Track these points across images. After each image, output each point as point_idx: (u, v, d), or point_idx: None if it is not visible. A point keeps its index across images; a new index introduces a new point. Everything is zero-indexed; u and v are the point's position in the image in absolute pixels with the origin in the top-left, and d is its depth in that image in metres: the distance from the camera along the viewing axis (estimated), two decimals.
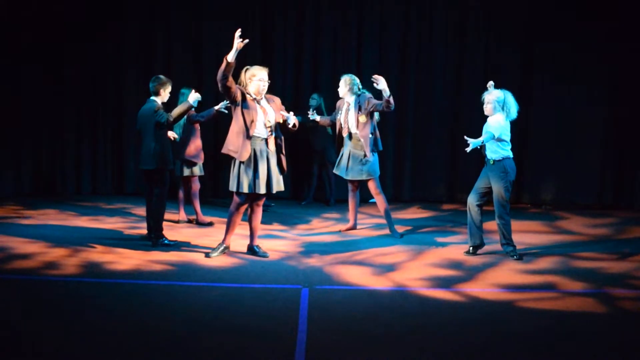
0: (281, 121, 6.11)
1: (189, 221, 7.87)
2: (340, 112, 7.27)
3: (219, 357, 3.85)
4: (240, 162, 5.96)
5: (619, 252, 6.59)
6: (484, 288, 5.33)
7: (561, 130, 9.65)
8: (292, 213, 8.77)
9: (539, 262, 6.15)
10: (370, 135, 7.10)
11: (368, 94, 7.17)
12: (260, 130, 5.98)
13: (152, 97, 6.60)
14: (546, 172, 9.76)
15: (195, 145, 7.61)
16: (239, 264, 5.98)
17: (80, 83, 9.97)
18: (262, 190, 5.99)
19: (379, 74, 9.67)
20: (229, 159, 6.13)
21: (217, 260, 6.05)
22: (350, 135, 7.18)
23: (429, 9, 9.92)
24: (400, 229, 7.43)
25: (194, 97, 6.47)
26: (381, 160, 7.34)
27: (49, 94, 9.90)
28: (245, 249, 6.39)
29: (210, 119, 7.55)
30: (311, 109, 9.15)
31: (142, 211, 8.20)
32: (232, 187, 6.03)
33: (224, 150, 6.07)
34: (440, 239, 7.13)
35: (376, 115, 7.30)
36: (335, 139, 9.08)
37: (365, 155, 7.09)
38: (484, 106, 6.33)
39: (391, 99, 6.78)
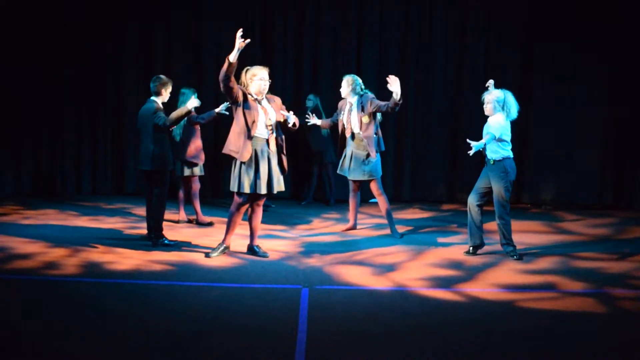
0: (282, 120, 6.12)
1: (189, 221, 7.87)
2: (342, 112, 7.25)
3: (219, 357, 3.86)
4: (242, 163, 5.96)
5: (619, 252, 6.59)
6: (484, 288, 5.33)
7: (561, 130, 9.65)
8: (292, 213, 8.77)
9: (539, 262, 6.15)
10: (374, 136, 7.09)
11: (370, 94, 7.15)
12: (261, 130, 5.98)
13: (153, 97, 6.60)
14: (546, 172, 9.76)
15: (196, 145, 7.61)
16: (239, 264, 5.98)
17: (81, 83, 9.97)
18: (263, 190, 5.99)
19: (378, 74, 9.80)
20: (230, 159, 6.13)
21: (217, 260, 6.05)
22: (353, 136, 7.17)
23: (429, 9, 9.92)
24: (400, 229, 7.43)
25: (193, 102, 6.48)
26: (382, 161, 7.33)
27: (49, 93, 9.91)
28: (245, 249, 6.39)
29: (211, 121, 7.56)
30: (308, 110, 9.17)
31: (142, 211, 8.20)
32: (233, 187, 6.03)
33: (224, 151, 6.08)
34: (440, 239, 7.13)
35: (378, 116, 7.28)
36: (334, 140, 9.14)
37: (368, 156, 7.08)
38: (484, 106, 6.33)
39: (400, 102, 6.76)
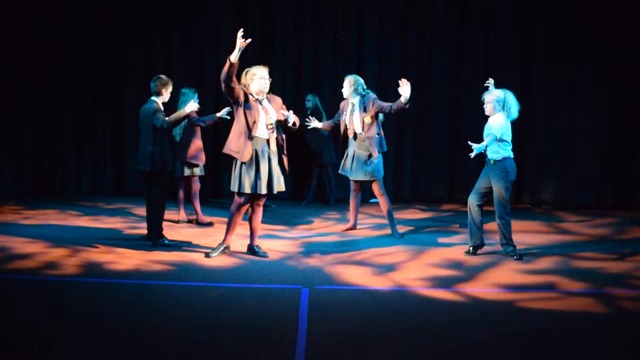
0: (282, 119, 6.11)
1: (189, 221, 7.87)
2: (344, 113, 7.24)
3: (219, 357, 3.86)
4: (242, 163, 5.96)
5: (619, 252, 6.59)
6: (484, 288, 5.33)
7: (561, 130, 9.65)
8: (292, 213, 8.77)
9: (539, 262, 6.15)
10: (377, 136, 7.09)
11: (372, 95, 7.14)
12: (262, 130, 5.99)
13: (153, 97, 6.60)
14: (546, 172, 9.76)
15: (196, 146, 7.60)
16: (239, 264, 5.98)
17: (81, 83, 9.96)
18: (264, 190, 5.99)
19: (378, 74, 9.80)
20: (230, 159, 6.13)
21: (217, 260, 6.05)
22: (355, 136, 7.16)
23: (428, 9, 9.92)
24: (400, 229, 7.42)
25: (191, 106, 6.48)
26: (382, 161, 7.32)
27: (49, 93, 9.90)
28: (245, 249, 6.39)
29: (211, 125, 7.54)
30: (308, 111, 9.17)
31: (142, 211, 8.19)
32: (234, 187, 6.03)
33: (225, 150, 6.08)
34: (440, 239, 7.12)
35: (381, 116, 7.27)
36: (334, 140, 9.13)
37: (370, 156, 7.07)
38: (484, 106, 6.32)
39: (407, 107, 6.76)
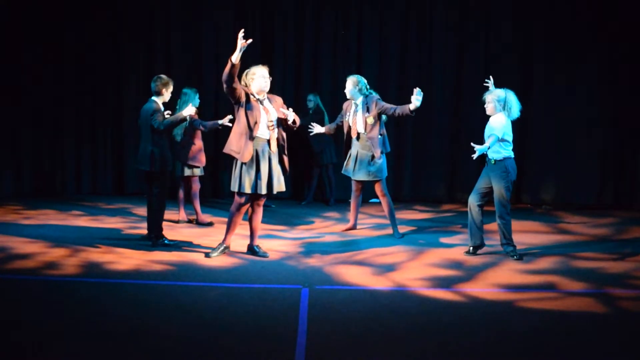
0: (283, 117, 6.10)
1: (189, 221, 7.87)
2: (348, 113, 7.23)
3: (219, 357, 3.86)
4: (242, 163, 5.96)
5: (619, 252, 6.58)
6: (484, 288, 5.33)
7: (561, 130, 9.65)
8: (292, 213, 8.77)
9: (539, 262, 6.15)
10: (379, 136, 7.08)
11: (376, 96, 7.13)
12: (263, 131, 5.99)
13: (153, 97, 6.60)
14: (546, 172, 9.76)
15: (197, 147, 7.60)
16: (239, 264, 5.98)
17: (81, 83, 9.96)
18: (264, 190, 6.00)
19: (378, 74, 9.80)
20: (230, 159, 6.13)
21: (217, 260, 6.05)
22: (358, 137, 7.15)
23: (428, 9, 9.92)
24: (401, 229, 7.40)
25: (189, 110, 6.49)
26: None
27: (49, 93, 9.90)
28: (245, 249, 6.39)
29: (211, 130, 7.53)
30: (310, 111, 9.17)
31: (142, 211, 8.19)
32: (234, 187, 6.03)
33: (225, 150, 6.08)
34: (440, 239, 7.12)
35: (384, 116, 7.25)
36: (334, 140, 9.13)
37: (374, 157, 7.06)
38: (485, 105, 6.31)
39: (413, 115, 6.78)
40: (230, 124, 6.86)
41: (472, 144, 5.99)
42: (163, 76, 6.69)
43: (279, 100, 6.21)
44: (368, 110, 7.03)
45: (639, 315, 4.73)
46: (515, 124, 6.39)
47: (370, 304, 4.89)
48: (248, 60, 5.90)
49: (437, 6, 9.92)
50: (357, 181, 7.29)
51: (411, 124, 9.95)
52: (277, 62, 9.87)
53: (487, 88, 6.54)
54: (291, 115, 6.10)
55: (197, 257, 6.14)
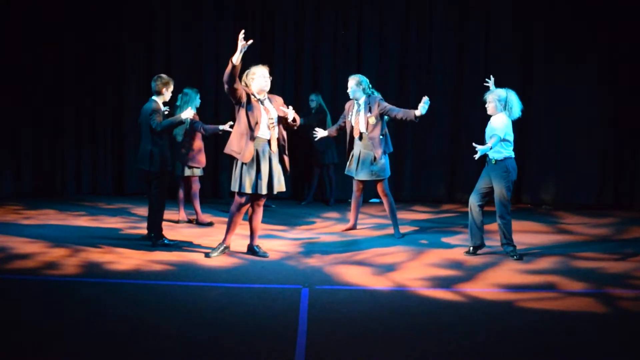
0: (284, 116, 6.10)
1: (189, 221, 7.87)
2: (350, 113, 7.22)
3: (219, 357, 3.86)
4: (243, 163, 5.96)
5: (619, 252, 6.58)
6: (484, 288, 5.33)
7: (561, 130, 9.65)
8: (292, 213, 8.77)
9: (539, 262, 6.15)
10: (381, 137, 7.07)
11: (378, 96, 7.13)
12: (263, 131, 5.99)
13: (154, 97, 6.59)
14: (546, 172, 9.76)
15: (197, 147, 7.60)
16: (239, 264, 5.98)
17: (80, 83, 9.96)
18: (264, 190, 6.00)
19: (378, 74, 9.79)
20: (230, 159, 6.13)
21: (217, 260, 6.05)
22: (360, 136, 7.14)
23: (428, 9, 9.92)
24: (401, 229, 7.39)
25: (187, 113, 6.49)
26: None
27: (49, 93, 9.90)
28: (245, 249, 6.39)
29: (211, 135, 7.53)
30: (312, 110, 9.17)
31: (142, 211, 8.20)
32: (234, 187, 6.03)
33: (226, 151, 6.08)
34: (440, 239, 7.12)
35: (385, 117, 7.24)
36: (335, 141, 9.12)
37: (375, 157, 7.05)
38: (486, 105, 6.30)
39: (416, 121, 6.83)
40: (231, 129, 6.85)
41: (474, 144, 5.99)
42: (163, 75, 6.69)
43: (279, 99, 6.21)
44: (370, 110, 7.03)
45: (639, 315, 4.73)
46: (515, 124, 6.39)
47: (370, 304, 4.89)
48: (248, 61, 5.89)
49: (437, 6, 9.92)
50: (359, 181, 7.28)
51: (411, 124, 9.93)
52: (277, 62, 9.87)
53: (487, 88, 6.54)
54: (291, 113, 6.09)
55: (197, 257, 6.13)
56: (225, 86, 5.73)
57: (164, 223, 6.71)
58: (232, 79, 5.67)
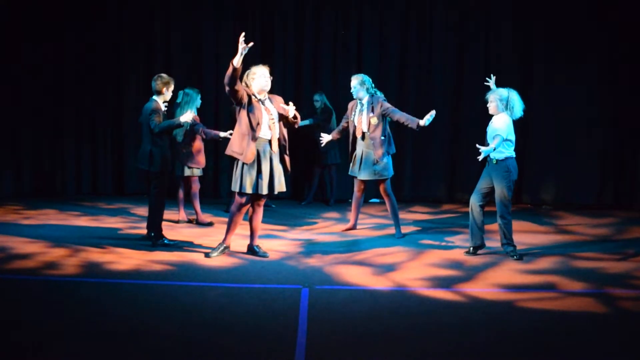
0: (285, 114, 6.09)
1: (189, 221, 7.87)
2: (353, 113, 7.22)
3: (219, 357, 3.86)
4: (244, 163, 5.95)
5: (619, 252, 6.58)
6: (484, 288, 5.33)
7: (561, 130, 9.65)
8: (292, 213, 8.77)
9: (539, 262, 6.15)
10: (382, 138, 7.06)
11: (381, 96, 7.13)
12: (265, 131, 5.99)
13: (154, 97, 6.59)
14: (546, 172, 9.76)
15: (197, 148, 7.60)
16: (239, 264, 5.98)
17: (80, 83, 9.96)
18: (265, 191, 6.00)
19: (378, 74, 9.79)
20: (230, 159, 6.12)
21: (217, 260, 6.05)
22: (363, 136, 7.14)
23: (428, 9, 9.92)
24: (402, 229, 7.38)
25: (186, 117, 6.49)
26: None
27: (49, 93, 9.90)
28: (245, 249, 6.39)
29: (211, 139, 7.52)
30: (317, 110, 9.18)
31: (142, 211, 8.20)
32: (235, 187, 6.02)
33: (227, 152, 6.08)
34: (440, 239, 7.12)
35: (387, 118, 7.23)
36: (337, 141, 9.11)
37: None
38: (488, 105, 6.30)
39: (418, 130, 6.86)
40: (230, 137, 6.84)
41: (477, 145, 5.98)
42: (164, 75, 6.69)
43: (279, 99, 6.21)
44: (372, 111, 7.03)
45: (639, 315, 4.73)
46: (516, 124, 6.38)
47: (370, 304, 4.89)
48: (248, 61, 5.89)
49: (437, 6, 9.92)
50: (361, 181, 7.27)
51: (410, 129, 9.93)
52: (277, 62, 9.86)
53: (488, 87, 6.53)
54: (292, 110, 6.08)
55: (197, 257, 6.13)
56: (226, 88, 5.74)
57: (164, 223, 6.71)
58: (233, 81, 5.67)
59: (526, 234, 7.37)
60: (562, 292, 5.23)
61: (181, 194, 7.82)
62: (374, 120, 7.02)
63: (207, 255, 6.16)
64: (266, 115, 5.98)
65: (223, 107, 9.53)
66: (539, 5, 9.66)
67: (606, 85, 9.56)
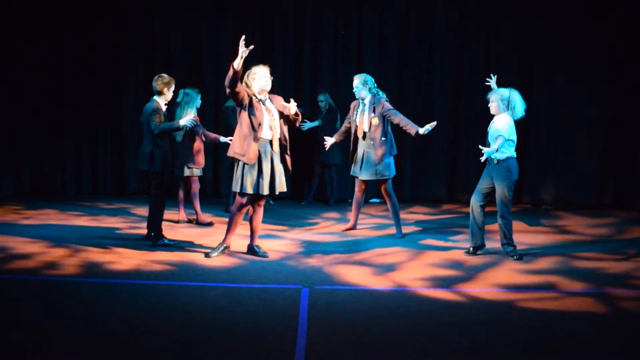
0: (287, 113, 6.08)
1: (189, 221, 7.87)
2: (355, 113, 7.21)
3: (219, 357, 3.86)
4: (244, 163, 5.95)
5: (619, 252, 6.59)
6: (484, 288, 5.33)
7: (561, 130, 9.65)
8: (292, 213, 8.77)
9: (539, 262, 6.15)
10: (383, 138, 7.05)
11: (384, 97, 7.13)
12: (266, 132, 5.99)
13: (155, 97, 6.59)
14: (546, 172, 9.75)
15: (196, 148, 7.60)
16: (239, 264, 5.98)
17: (80, 83, 9.96)
18: (266, 191, 6.00)
19: (378, 74, 9.78)
20: (230, 160, 6.12)
21: (217, 260, 6.05)
22: (364, 136, 7.14)
23: (428, 9, 9.92)
24: (403, 229, 7.37)
25: (186, 120, 6.48)
26: None
27: (49, 93, 9.90)
28: (245, 249, 6.39)
29: (211, 142, 7.51)
30: (322, 110, 9.18)
31: (142, 211, 8.20)
32: (236, 187, 6.02)
33: (229, 153, 6.08)
34: (440, 239, 7.12)
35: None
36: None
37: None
38: (489, 104, 6.29)
39: (416, 137, 6.90)
40: (230, 143, 6.83)
41: (480, 146, 5.98)
42: (164, 75, 6.68)
43: (279, 99, 6.20)
44: (374, 111, 7.03)
45: (639, 315, 4.73)
46: (516, 123, 6.37)
47: (370, 304, 4.89)
48: (248, 61, 5.88)
49: (437, 6, 9.92)
50: (362, 181, 7.26)
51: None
52: (277, 62, 9.86)
53: (489, 87, 6.53)
54: (293, 107, 6.08)
55: (197, 257, 6.13)
56: (227, 90, 5.74)
57: (164, 223, 6.71)
58: (234, 83, 5.68)
59: (526, 234, 7.37)
60: (562, 292, 5.23)
61: (181, 194, 7.82)
62: (375, 121, 7.01)
63: (207, 255, 6.16)
64: (267, 116, 5.99)
65: (223, 107, 9.52)
66: (539, 5, 9.66)
67: (606, 85, 9.55)
